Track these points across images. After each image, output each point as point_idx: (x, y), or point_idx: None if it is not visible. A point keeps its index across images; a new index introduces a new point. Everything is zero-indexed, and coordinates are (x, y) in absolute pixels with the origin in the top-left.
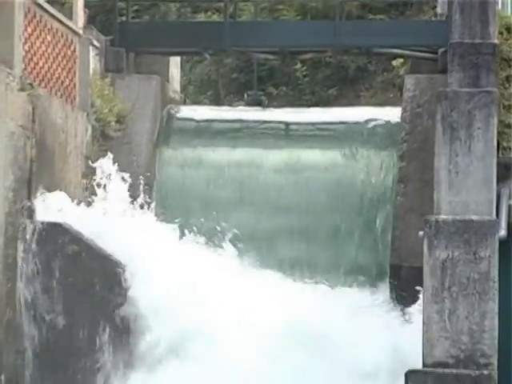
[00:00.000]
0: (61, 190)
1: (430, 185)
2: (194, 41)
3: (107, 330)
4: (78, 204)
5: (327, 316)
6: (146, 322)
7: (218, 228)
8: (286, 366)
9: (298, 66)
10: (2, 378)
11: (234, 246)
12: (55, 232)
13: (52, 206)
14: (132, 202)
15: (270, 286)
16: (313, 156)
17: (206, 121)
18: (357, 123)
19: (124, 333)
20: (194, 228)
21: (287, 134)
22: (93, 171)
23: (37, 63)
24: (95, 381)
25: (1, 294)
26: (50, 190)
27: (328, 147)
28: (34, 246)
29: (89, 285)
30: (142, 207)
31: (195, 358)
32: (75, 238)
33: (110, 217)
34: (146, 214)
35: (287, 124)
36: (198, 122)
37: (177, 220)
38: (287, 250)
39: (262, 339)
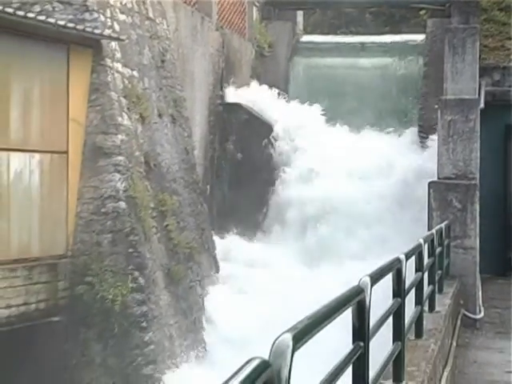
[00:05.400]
0: (238, 85)
1: (441, 80)
2: (310, 2)
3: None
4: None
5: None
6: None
7: (329, 99)
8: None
9: (367, 15)
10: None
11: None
12: (235, 107)
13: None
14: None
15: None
16: (377, 60)
17: (318, 42)
18: (400, 42)
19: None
20: (316, 102)
21: (362, 49)
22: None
23: (225, 15)
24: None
25: (206, 143)
26: (232, 85)
27: (384, 56)
28: (226, 115)
29: (256, 140)
30: (279, 95)
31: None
32: (247, 111)
33: (266, 100)
34: (285, 98)
35: (362, 43)
36: (314, 43)
37: (304, 100)
38: (364, 111)
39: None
